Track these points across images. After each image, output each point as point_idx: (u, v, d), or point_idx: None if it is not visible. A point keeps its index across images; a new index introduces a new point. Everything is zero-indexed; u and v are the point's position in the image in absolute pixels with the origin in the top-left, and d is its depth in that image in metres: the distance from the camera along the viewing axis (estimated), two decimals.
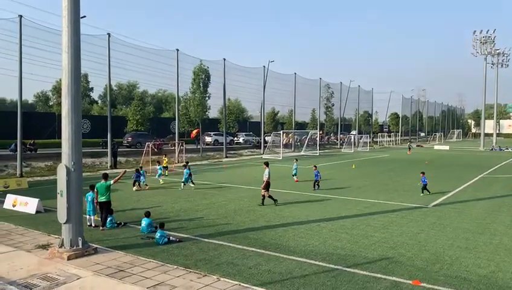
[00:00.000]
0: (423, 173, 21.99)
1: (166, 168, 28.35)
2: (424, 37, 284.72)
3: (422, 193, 21.27)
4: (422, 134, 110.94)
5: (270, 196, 18.07)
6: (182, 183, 22.92)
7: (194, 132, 49.21)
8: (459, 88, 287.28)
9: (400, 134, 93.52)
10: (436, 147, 73.13)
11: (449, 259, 11.01)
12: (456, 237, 13.24)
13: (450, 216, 16.27)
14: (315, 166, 23.81)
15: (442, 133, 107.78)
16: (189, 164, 25.69)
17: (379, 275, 9.74)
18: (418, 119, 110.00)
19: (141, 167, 24.78)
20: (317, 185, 22.88)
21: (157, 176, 22.68)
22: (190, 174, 23.48)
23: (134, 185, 22.50)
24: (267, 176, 18.20)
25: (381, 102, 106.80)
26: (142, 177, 23.00)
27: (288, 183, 25.01)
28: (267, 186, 18.10)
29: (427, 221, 15.39)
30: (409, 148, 61.91)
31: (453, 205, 18.54)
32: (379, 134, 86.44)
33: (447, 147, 71.23)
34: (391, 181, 26.43)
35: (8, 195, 18.17)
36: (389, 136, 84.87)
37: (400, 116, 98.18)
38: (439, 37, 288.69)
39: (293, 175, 26.38)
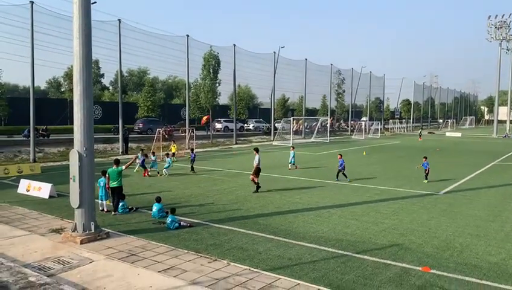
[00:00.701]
0: (425, 158, 21.41)
1: (173, 154, 28.77)
2: (437, 22, 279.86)
3: (426, 179, 20.89)
4: (440, 120, 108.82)
5: (257, 182, 18.04)
6: (164, 170, 22.64)
7: (205, 118, 49.33)
8: (473, 74, 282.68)
9: (411, 121, 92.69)
10: (448, 134, 72.40)
11: (459, 246, 10.98)
12: (467, 224, 13.18)
13: (461, 203, 16.17)
14: (340, 154, 22.25)
15: (454, 120, 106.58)
16: (200, 150, 25.78)
17: (388, 262, 9.77)
18: (430, 105, 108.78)
19: (153, 153, 25.00)
20: (343, 175, 21.10)
21: (164, 168, 22.78)
22: (193, 160, 24.24)
23: (143, 169, 22.63)
24: (257, 162, 18.26)
25: (393, 88, 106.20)
26: (154, 164, 23.23)
27: (297, 170, 25.00)
28: (257, 172, 18.14)
29: (437, 208, 15.33)
30: (420, 134, 61.39)
31: (464, 192, 18.42)
32: (390, 121, 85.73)
33: (459, 134, 70.47)
34: (402, 168, 26.30)
35: (22, 180, 18.47)
36: (401, 123, 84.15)
37: (412, 102, 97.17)
38: (452, 22, 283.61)
39: (290, 163, 25.86)
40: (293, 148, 27.86)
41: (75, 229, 11.25)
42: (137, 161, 22.31)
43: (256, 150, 19.13)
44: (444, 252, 10.52)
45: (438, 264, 9.62)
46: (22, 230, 12.11)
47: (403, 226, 12.88)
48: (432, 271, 9.21)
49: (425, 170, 21.04)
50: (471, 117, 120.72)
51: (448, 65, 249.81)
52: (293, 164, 25.74)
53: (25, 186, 17.71)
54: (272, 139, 50.46)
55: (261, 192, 17.99)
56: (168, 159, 23.48)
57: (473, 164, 28.63)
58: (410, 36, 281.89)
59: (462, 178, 22.34)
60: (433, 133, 77.88)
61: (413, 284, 8.56)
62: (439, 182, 20.85)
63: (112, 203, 14.44)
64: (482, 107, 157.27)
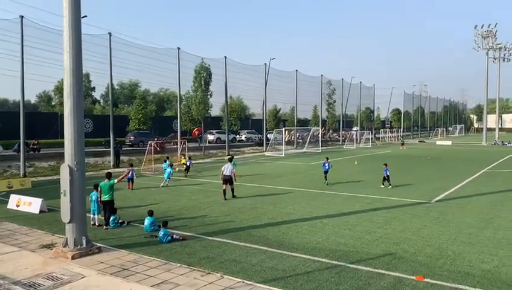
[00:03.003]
0: (385, 165, 22.64)
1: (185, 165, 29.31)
2: (426, 32, 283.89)
3: (383, 184, 22.09)
4: (441, 129, 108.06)
5: (224, 190, 18.99)
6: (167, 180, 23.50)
7: (196, 130, 49.29)
8: (462, 83, 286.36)
9: (402, 130, 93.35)
10: (438, 142, 72.96)
11: (452, 254, 11.01)
12: (459, 232, 13.23)
13: (453, 211, 16.25)
14: (327, 158, 24.74)
15: (444, 129, 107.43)
16: (193, 162, 26.11)
17: (382, 271, 9.76)
18: (420, 114, 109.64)
19: (168, 157, 27.03)
20: (325, 175, 23.34)
21: (165, 178, 23.32)
22: (189, 167, 26.39)
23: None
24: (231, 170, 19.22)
25: (383, 98, 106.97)
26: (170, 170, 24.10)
27: (291, 180, 25.02)
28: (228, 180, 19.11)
29: (430, 216, 15.38)
30: (402, 143, 63.19)
31: (455, 200, 18.52)
32: (381, 130, 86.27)
33: (449, 142, 71.06)
34: (393, 177, 26.37)
35: (11, 195, 18.25)
36: (391, 132, 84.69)
37: (402, 112, 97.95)
38: (440, 32, 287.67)
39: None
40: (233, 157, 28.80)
41: (66, 245, 11.12)
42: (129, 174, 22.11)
43: (230, 159, 20.39)
44: (437, 260, 10.54)
45: (432, 273, 9.62)
46: (12, 246, 11.94)
47: (395, 235, 12.90)
48: (425, 280, 9.21)
49: (385, 176, 22.15)
50: (461, 125, 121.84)
51: (437, 74, 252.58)
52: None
53: (14, 202, 17.50)
54: (264, 150, 50.49)
55: (254, 203, 17.95)
56: (170, 170, 23.93)
57: (464, 172, 28.86)
58: (399, 46, 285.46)
59: (453, 186, 22.48)
60: (424, 141, 78.46)
61: None
62: (431, 191, 20.96)
63: (103, 217, 14.31)
64: (471, 116, 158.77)
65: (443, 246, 11.77)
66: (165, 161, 25.74)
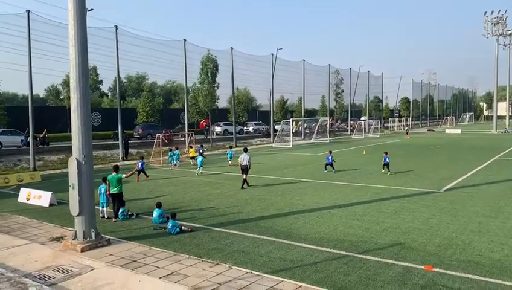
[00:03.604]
0: (386, 153, 23.73)
1: (192, 158, 30.08)
2: (434, 20, 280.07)
3: (383, 169, 23.35)
4: (450, 118, 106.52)
5: (244, 179, 19.81)
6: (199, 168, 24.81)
7: (204, 121, 49.32)
8: (471, 71, 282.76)
9: (410, 119, 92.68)
10: (447, 131, 72.34)
11: (462, 244, 10.93)
12: (469, 221, 13.13)
13: (463, 200, 16.12)
14: (330, 151, 25.84)
15: (453, 117, 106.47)
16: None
17: (391, 261, 9.72)
18: (429, 103, 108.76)
19: (177, 147, 28.61)
20: (330, 167, 24.10)
21: (198, 168, 24.79)
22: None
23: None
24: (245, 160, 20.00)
25: (391, 87, 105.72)
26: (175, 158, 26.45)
27: (298, 171, 24.99)
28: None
29: (438, 206, 15.28)
30: (407, 132, 63.23)
31: (465, 189, 18.37)
32: (390, 119, 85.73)
33: (458, 131, 70.44)
34: (402, 166, 26.24)
35: (22, 189, 18.46)
36: (400, 121, 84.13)
37: (411, 100, 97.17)
38: (449, 19, 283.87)
39: (229, 159, 29.00)
40: (231, 147, 31.68)
41: (75, 237, 11.22)
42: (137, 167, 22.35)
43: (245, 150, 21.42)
44: (446, 250, 10.48)
45: (441, 263, 9.57)
46: (23, 239, 12.08)
47: (404, 225, 12.84)
48: (434, 269, 9.16)
49: (385, 164, 23.10)
50: (470, 113, 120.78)
51: (446, 62, 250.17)
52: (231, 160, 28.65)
53: (25, 195, 17.69)
54: (272, 141, 50.44)
55: (261, 194, 17.97)
56: (200, 159, 25.21)
57: (473, 160, 28.59)
58: (407, 34, 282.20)
59: (462, 175, 22.29)
60: (433, 130, 77.88)
61: (416, 283, 8.50)
62: (440, 180, 20.80)
63: (112, 210, 14.41)
64: (481, 103, 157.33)
65: (452, 235, 11.68)
66: (171, 150, 28.37)
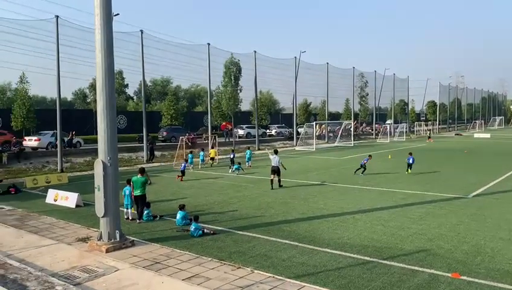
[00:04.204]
0: (410, 154, 25.30)
1: (212, 159, 30.82)
2: (462, 20, 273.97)
3: (408, 170, 24.49)
4: (479, 122, 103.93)
5: (271, 180, 20.35)
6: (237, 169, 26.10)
7: (227, 123, 49.61)
8: (501, 73, 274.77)
9: (437, 122, 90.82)
10: (476, 135, 70.52)
11: (490, 251, 10.61)
12: (498, 228, 12.73)
13: (492, 207, 15.67)
14: (370, 155, 26.12)
15: (482, 121, 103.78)
16: (223, 156, 26.52)
17: (416, 268, 9.52)
18: (457, 106, 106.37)
19: (203, 149, 29.88)
20: (361, 170, 24.39)
21: (234, 169, 26.12)
22: (233, 159, 28.08)
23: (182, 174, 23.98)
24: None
25: (418, 90, 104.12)
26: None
27: (322, 175, 24.80)
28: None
29: (466, 212, 14.88)
30: (429, 136, 62.18)
31: (494, 195, 17.85)
32: (416, 123, 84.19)
33: (487, 135, 68.53)
34: (428, 171, 25.71)
35: (49, 190, 18.91)
36: (426, 125, 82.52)
37: (438, 104, 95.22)
38: (478, 20, 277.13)
39: (247, 161, 29.49)
40: (249, 148, 32.38)
41: (100, 238, 11.40)
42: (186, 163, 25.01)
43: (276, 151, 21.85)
44: (474, 257, 10.18)
45: (469, 271, 9.30)
46: (50, 239, 12.36)
47: (430, 231, 12.55)
48: (462, 277, 8.91)
49: (409, 164, 24.47)
50: (500, 117, 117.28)
51: (474, 65, 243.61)
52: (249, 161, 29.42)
53: (52, 196, 18.11)
54: (295, 144, 50.23)
55: (284, 198, 17.90)
56: (235, 166, 26.44)
57: (503, 166, 27.75)
58: (434, 36, 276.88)
59: (492, 180, 21.66)
60: (461, 134, 76.06)
61: None
62: (468, 185, 20.28)
63: (136, 211, 14.59)
64: None
65: (481, 242, 11.35)
66: (191, 153, 29.49)
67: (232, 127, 47.98)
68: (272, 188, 19.98)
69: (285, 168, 21.25)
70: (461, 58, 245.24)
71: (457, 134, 77.48)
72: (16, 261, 10.35)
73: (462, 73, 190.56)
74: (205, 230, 12.61)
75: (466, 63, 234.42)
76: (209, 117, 43.38)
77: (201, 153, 30.06)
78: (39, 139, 35.12)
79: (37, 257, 10.74)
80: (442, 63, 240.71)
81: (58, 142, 29.08)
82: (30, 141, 35.78)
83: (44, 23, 29.11)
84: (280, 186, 20.40)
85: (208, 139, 37.70)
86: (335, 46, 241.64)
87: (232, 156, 28.84)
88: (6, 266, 10.01)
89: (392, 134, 63.82)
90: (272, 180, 20.32)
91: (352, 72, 63.87)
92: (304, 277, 9.10)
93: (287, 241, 11.67)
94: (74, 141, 38.80)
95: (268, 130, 62.11)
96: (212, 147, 32.27)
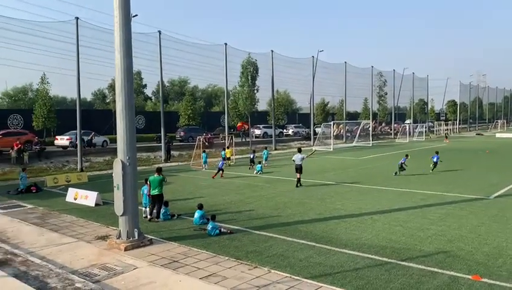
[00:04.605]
0: (437, 153, 25.90)
1: (228, 158, 30.57)
2: (482, 18, 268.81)
3: (433, 168, 24.79)
4: (501, 121, 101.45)
5: (298, 178, 20.72)
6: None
7: (244, 124, 49.67)
8: None
9: (458, 122, 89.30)
10: (498, 135, 69.04)
11: None
12: None
13: None
14: (407, 155, 25.76)
15: (504, 120, 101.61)
16: (239, 156, 26.58)
17: (435, 269, 9.37)
18: (478, 106, 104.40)
19: (228, 147, 31.06)
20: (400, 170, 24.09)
21: (258, 170, 26.07)
22: (252, 159, 28.58)
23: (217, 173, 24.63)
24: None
25: (437, 89, 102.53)
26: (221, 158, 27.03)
27: (339, 175, 24.63)
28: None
29: (488, 213, 14.58)
30: (446, 136, 61.20)
31: None
32: (435, 123, 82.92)
33: (510, 135, 67.05)
34: (449, 171, 25.30)
35: (69, 189, 19.24)
36: (446, 125, 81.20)
37: (458, 103, 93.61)
38: (498, 17, 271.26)
39: (264, 160, 29.61)
40: (266, 148, 32.86)
41: (119, 236, 11.55)
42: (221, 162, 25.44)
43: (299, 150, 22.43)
44: (495, 259, 9.97)
45: (490, 273, 9.12)
46: (70, 237, 12.58)
47: (450, 232, 12.34)
48: (482, 280, 8.74)
49: (435, 163, 24.84)
50: None
51: (496, 63, 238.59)
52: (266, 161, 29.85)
53: (72, 195, 18.42)
54: (312, 144, 50.00)
55: (301, 198, 17.84)
56: (258, 166, 26.50)
57: None
58: (454, 35, 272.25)
59: None
60: (482, 134, 74.61)
61: None
62: (490, 186, 19.88)
63: (155, 210, 14.69)
64: None
65: (502, 244, 11.11)
66: (204, 152, 29.98)
67: (248, 127, 48.01)
68: (297, 186, 20.40)
69: (312, 154, 21.81)
70: (482, 57, 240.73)
71: (478, 134, 76.05)
72: (38, 259, 10.57)
73: (483, 72, 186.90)
74: (222, 229, 12.65)
75: (488, 61, 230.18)
76: (226, 117, 43.51)
77: (223, 152, 30.39)
78: (71, 139, 35.89)
79: (58, 255, 10.94)
80: (462, 62, 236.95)
81: (78, 142, 29.55)
82: (62, 140, 36.88)
83: (64, 25, 29.65)
84: (297, 186, 20.52)
85: (225, 139, 37.86)
86: (353, 45, 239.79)
87: (252, 156, 29.15)
88: (28, 263, 10.24)
89: (411, 134, 63.01)
90: (298, 178, 20.64)
91: (370, 71, 63.28)
92: (321, 277, 9.05)
93: (304, 242, 11.62)
94: (100, 140, 39.62)
95: (285, 130, 61.97)
96: (228, 147, 32.36)
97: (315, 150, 35.44)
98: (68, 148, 35.68)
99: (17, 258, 10.63)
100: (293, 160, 21.35)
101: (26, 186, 20.63)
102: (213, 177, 24.13)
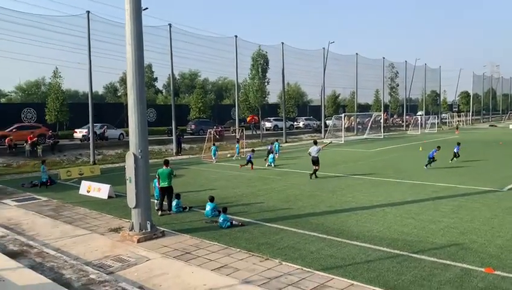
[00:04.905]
0: (458, 144, 26.15)
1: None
2: (496, 8, 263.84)
3: (452, 159, 25.11)
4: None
5: (315, 170, 20.85)
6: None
7: (253, 117, 49.66)
8: None
9: (471, 113, 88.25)
10: (511, 126, 68.14)
11: None
12: None
13: None
14: (438, 146, 25.12)
15: None
16: (250, 149, 26.59)
17: (448, 262, 9.33)
18: (491, 97, 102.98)
19: (238, 141, 31.55)
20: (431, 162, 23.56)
21: (270, 162, 26.06)
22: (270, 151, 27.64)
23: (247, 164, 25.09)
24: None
25: (450, 80, 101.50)
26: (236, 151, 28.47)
27: (350, 168, 24.55)
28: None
29: (501, 205, 14.44)
30: (457, 127, 60.51)
31: None
32: (448, 114, 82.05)
33: None
34: (461, 163, 25.06)
35: (82, 181, 19.48)
36: (459, 116, 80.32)
37: (471, 94, 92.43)
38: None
39: (276, 152, 29.11)
40: (277, 140, 31.98)
41: (132, 229, 11.68)
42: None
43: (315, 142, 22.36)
44: (509, 252, 9.88)
45: (503, 265, 9.05)
46: (84, 229, 12.76)
47: (463, 224, 12.26)
48: (496, 272, 8.68)
49: (456, 153, 25.25)
50: None
51: (510, 54, 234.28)
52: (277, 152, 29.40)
53: (85, 188, 18.64)
54: (323, 136, 49.87)
55: (312, 191, 17.84)
56: (271, 156, 26.58)
57: None
58: (466, 24, 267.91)
59: None
60: (495, 126, 73.64)
61: (475, 286, 8.11)
62: (503, 178, 19.65)
63: (166, 203, 14.79)
64: None
65: None
66: (214, 145, 30.29)
67: (259, 119, 47.98)
68: (311, 178, 20.60)
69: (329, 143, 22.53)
70: (496, 48, 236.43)
71: (492, 125, 75.09)
72: (52, 250, 10.75)
73: (497, 62, 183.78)
74: (233, 222, 12.72)
75: (501, 52, 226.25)
76: (236, 110, 43.54)
77: (237, 145, 30.92)
78: (88, 132, 36.35)
79: (72, 247, 11.11)
80: (475, 53, 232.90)
81: (90, 135, 29.84)
82: (81, 133, 37.41)
83: (75, 19, 29.86)
84: (311, 177, 20.70)
85: (236, 132, 37.92)
86: (364, 37, 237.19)
87: (269, 148, 28.69)
88: (43, 255, 10.42)
89: (423, 125, 62.45)
90: (315, 169, 20.78)
91: (382, 63, 62.69)
92: (333, 269, 9.07)
93: (315, 234, 11.64)
94: (117, 133, 40.20)
95: (295, 123, 61.80)
96: (238, 141, 32.40)
97: (331, 141, 35.63)
98: (83, 142, 36.05)
99: (32, 250, 10.84)
100: (309, 152, 21.40)
101: (47, 179, 20.83)
102: (251, 168, 24.65)
